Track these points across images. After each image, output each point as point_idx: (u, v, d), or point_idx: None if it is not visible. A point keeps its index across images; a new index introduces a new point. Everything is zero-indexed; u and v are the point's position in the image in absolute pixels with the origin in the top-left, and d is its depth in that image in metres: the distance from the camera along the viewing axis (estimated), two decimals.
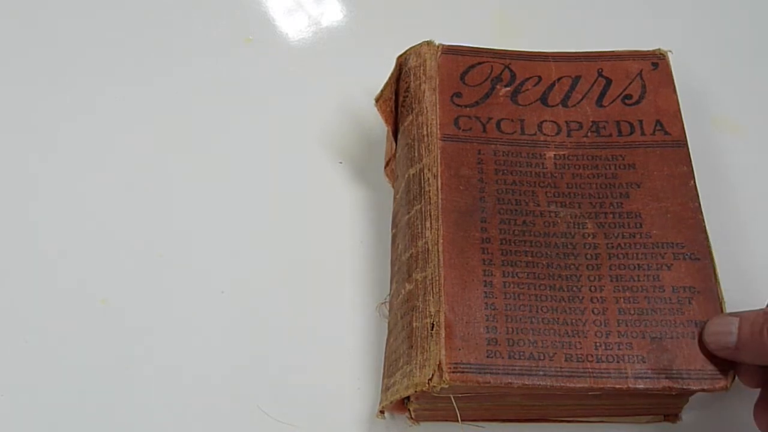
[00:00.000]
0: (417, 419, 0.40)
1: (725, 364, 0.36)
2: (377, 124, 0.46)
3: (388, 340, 0.40)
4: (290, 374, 0.42)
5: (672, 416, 0.41)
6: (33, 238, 0.47)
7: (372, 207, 0.47)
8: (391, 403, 0.38)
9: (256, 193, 0.48)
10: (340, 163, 0.49)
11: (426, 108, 0.43)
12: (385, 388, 0.39)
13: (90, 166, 0.49)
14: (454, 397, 0.37)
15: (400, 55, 0.46)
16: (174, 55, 0.54)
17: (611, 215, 0.40)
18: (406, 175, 0.42)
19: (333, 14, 0.57)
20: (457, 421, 0.38)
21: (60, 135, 0.51)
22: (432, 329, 0.37)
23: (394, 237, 0.43)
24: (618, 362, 0.36)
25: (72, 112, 0.52)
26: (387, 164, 0.46)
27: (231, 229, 0.47)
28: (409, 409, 0.40)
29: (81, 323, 0.44)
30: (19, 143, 0.50)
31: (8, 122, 0.51)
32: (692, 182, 0.41)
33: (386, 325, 0.41)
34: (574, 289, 0.38)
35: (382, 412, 0.39)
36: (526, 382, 0.36)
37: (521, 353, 0.36)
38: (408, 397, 0.39)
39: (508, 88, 0.44)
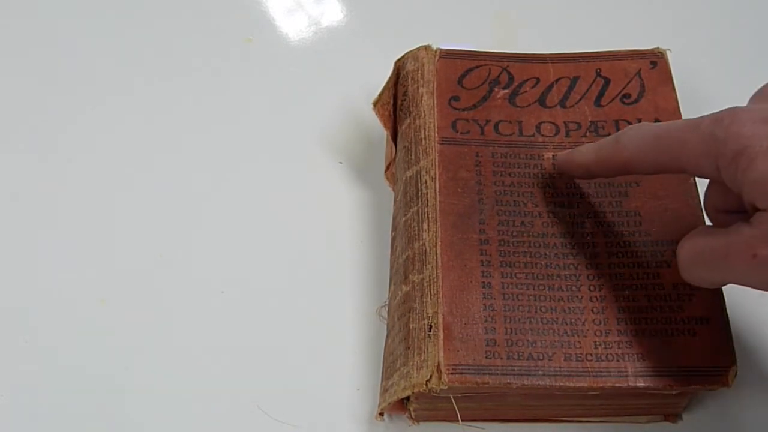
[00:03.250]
0: (417, 419, 0.40)
1: (726, 361, 0.36)
2: (377, 125, 0.46)
3: (386, 342, 0.40)
4: (290, 374, 0.42)
5: (672, 416, 0.40)
6: (33, 237, 0.47)
7: (372, 207, 0.47)
8: (389, 404, 0.38)
9: (256, 193, 0.48)
10: (340, 163, 0.49)
11: (423, 111, 0.43)
12: (383, 390, 0.39)
13: (89, 165, 0.49)
14: (453, 397, 0.37)
15: (398, 60, 0.46)
16: (174, 55, 0.54)
17: (610, 214, 0.40)
18: (404, 178, 0.42)
19: (333, 14, 0.57)
20: (458, 421, 0.38)
21: (59, 135, 0.51)
22: (430, 331, 0.37)
23: (393, 240, 0.43)
24: (618, 361, 0.36)
25: (71, 113, 0.52)
26: (387, 168, 0.46)
27: (231, 229, 0.47)
28: (408, 409, 0.40)
29: (81, 323, 0.44)
30: (18, 143, 0.51)
31: (7, 121, 0.51)
32: (692, 179, 0.41)
33: (386, 326, 0.41)
34: (573, 288, 0.38)
35: (381, 414, 0.39)
36: (525, 383, 0.36)
37: (520, 354, 0.36)
38: (408, 397, 0.39)
39: (506, 91, 0.44)
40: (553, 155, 0.42)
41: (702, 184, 0.41)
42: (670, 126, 0.33)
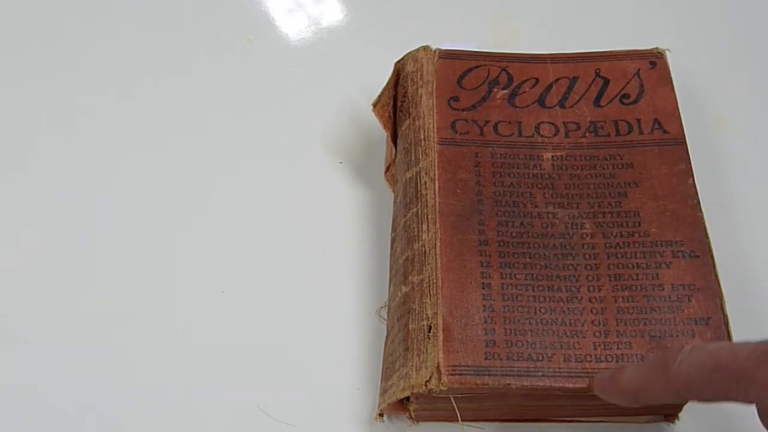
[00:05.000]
0: (417, 419, 0.40)
1: None
2: (377, 125, 0.46)
3: (385, 342, 0.40)
4: (290, 374, 0.42)
5: (672, 416, 0.40)
6: (33, 237, 0.47)
7: (372, 207, 0.47)
8: (389, 405, 0.38)
9: (256, 193, 0.48)
10: (340, 163, 0.49)
11: (423, 112, 0.43)
12: (383, 391, 0.39)
13: (89, 165, 0.49)
14: (453, 397, 0.37)
15: (398, 61, 0.46)
16: (174, 55, 0.54)
17: (609, 215, 0.40)
18: (403, 179, 0.43)
19: (333, 14, 0.57)
20: (458, 421, 0.38)
21: (59, 135, 0.51)
22: (429, 331, 0.37)
23: (392, 241, 0.43)
24: (617, 362, 0.36)
25: (72, 112, 0.52)
26: (387, 169, 0.46)
27: (231, 228, 0.47)
28: (408, 410, 0.40)
29: (81, 323, 0.44)
30: (19, 143, 0.51)
31: (8, 121, 0.51)
32: (691, 180, 0.41)
33: (385, 327, 0.41)
34: (573, 289, 0.38)
35: (381, 414, 0.39)
36: (525, 384, 0.36)
37: (519, 354, 0.36)
38: (408, 398, 0.39)
39: (505, 91, 0.44)
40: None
41: (702, 185, 0.41)
42: (732, 355, 0.30)
